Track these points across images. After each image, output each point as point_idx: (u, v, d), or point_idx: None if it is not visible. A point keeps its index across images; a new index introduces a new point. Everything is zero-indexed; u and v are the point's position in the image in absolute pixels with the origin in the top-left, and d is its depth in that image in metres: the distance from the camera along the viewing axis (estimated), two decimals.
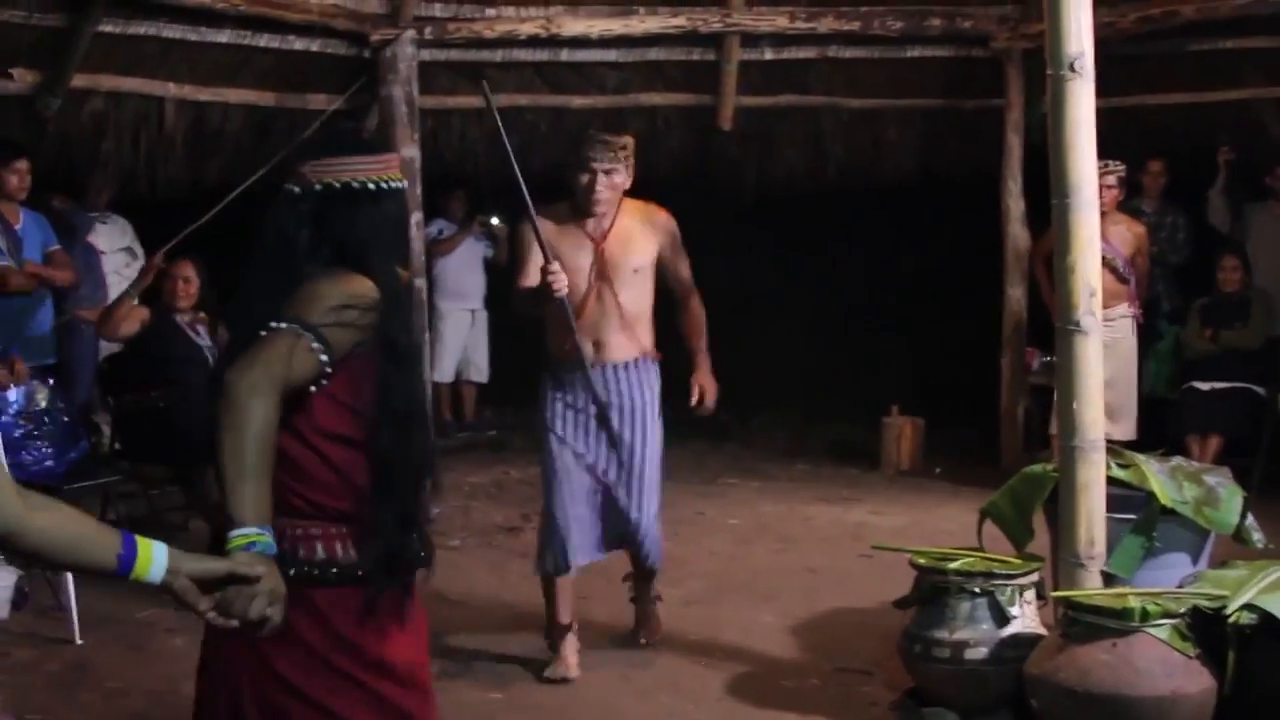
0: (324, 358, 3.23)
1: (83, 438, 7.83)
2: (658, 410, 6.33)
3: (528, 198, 5.71)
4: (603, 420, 6.17)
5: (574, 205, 6.19)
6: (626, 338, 6.21)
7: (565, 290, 5.83)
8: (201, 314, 8.32)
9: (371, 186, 3.43)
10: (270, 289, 3.34)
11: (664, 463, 6.43)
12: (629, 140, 6.24)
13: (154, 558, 2.63)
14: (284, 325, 3.21)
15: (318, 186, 3.42)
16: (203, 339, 8.26)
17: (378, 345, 3.34)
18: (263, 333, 3.20)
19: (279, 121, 10.15)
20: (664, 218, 6.36)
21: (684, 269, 6.44)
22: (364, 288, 3.33)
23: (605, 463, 6.23)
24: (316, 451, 3.30)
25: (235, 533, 2.96)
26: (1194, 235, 10.75)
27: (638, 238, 6.24)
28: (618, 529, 6.31)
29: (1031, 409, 10.78)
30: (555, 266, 5.79)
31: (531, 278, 5.99)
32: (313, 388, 3.26)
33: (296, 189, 3.44)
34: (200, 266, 8.37)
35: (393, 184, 3.48)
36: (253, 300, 3.37)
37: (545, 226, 5.92)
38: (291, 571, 3.14)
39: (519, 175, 5.60)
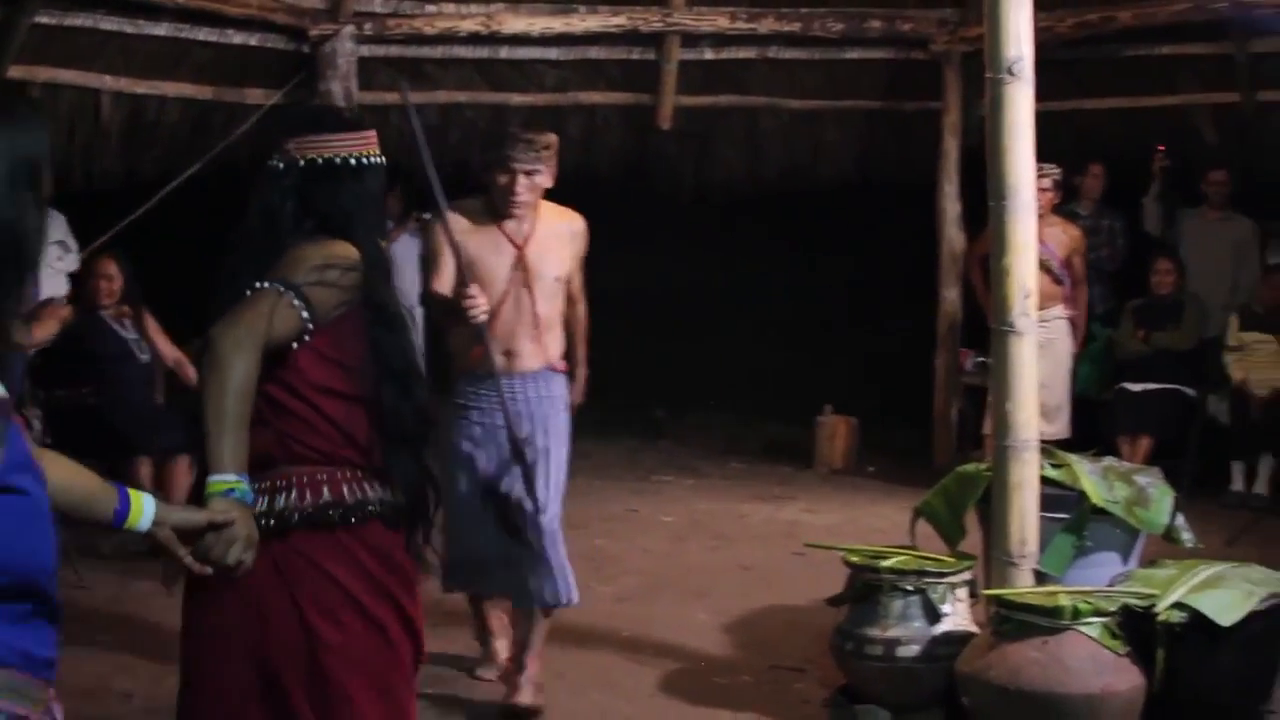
0: (305, 314, 3.40)
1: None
2: (567, 424, 5.93)
3: (441, 199, 5.35)
4: (512, 436, 5.60)
5: (489, 203, 5.81)
6: (537, 347, 5.81)
7: (485, 317, 5.43)
8: (125, 308, 8.32)
9: (354, 162, 3.61)
10: (255, 259, 3.51)
11: (597, 460, 6.41)
12: (552, 139, 5.83)
13: (144, 509, 2.76)
14: (266, 285, 3.39)
15: (301, 162, 3.60)
16: (129, 333, 8.26)
17: (365, 307, 3.54)
18: (247, 293, 3.38)
19: (216, 115, 10.07)
20: (581, 225, 5.99)
21: (579, 274, 6.09)
22: (345, 251, 3.51)
23: (510, 482, 5.70)
24: (310, 404, 3.48)
25: (215, 478, 3.13)
26: (1130, 240, 10.85)
27: (560, 246, 5.89)
28: (516, 549, 5.76)
29: (966, 409, 10.84)
30: (474, 290, 5.38)
31: (445, 284, 5.68)
32: (295, 344, 3.42)
33: (281, 164, 3.62)
34: (123, 262, 8.38)
35: (374, 159, 3.65)
36: (239, 269, 3.52)
37: (459, 224, 5.56)
38: (298, 516, 3.43)
39: (433, 174, 5.21)
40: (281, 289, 3.38)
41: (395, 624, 3.57)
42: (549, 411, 5.82)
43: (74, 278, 8.65)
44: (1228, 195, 10.65)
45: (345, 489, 3.50)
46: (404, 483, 3.58)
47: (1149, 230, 10.89)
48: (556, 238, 5.88)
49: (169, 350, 8.69)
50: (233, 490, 3.10)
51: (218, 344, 3.26)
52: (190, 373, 8.44)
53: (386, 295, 3.62)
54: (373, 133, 3.73)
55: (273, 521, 3.42)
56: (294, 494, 3.46)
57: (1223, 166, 10.70)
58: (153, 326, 8.58)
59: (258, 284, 3.38)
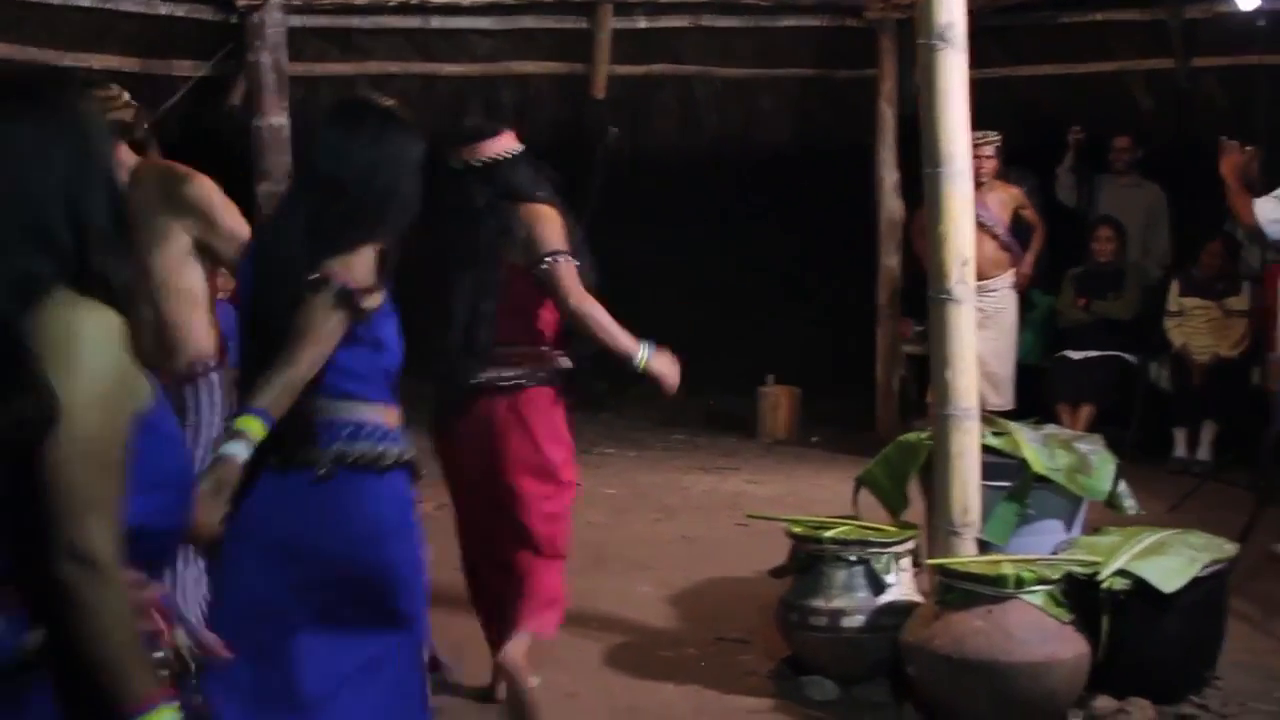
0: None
1: None
2: None
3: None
4: None
5: None
6: None
7: None
8: None
9: (508, 156, 5.16)
10: (459, 228, 5.09)
11: None
12: None
13: None
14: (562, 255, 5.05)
15: (474, 163, 5.12)
16: None
17: None
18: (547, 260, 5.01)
19: (144, 88, 9.90)
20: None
21: None
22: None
23: None
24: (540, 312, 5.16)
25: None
26: (1044, 202, 10.78)
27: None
28: None
29: (908, 378, 10.84)
30: None
31: None
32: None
33: (459, 166, 5.12)
34: None
35: (516, 150, 5.19)
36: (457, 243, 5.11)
37: None
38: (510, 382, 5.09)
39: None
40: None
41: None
42: None
43: None
44: (1131, 161, 10.67)
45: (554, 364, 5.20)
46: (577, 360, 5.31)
47: (1062, 200, 10.88)
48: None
49: None
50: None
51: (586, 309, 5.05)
52: None
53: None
54: (510, 133, 5.24)
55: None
56: (528, 366, 5.14)
57: (1140, 132, 10.72)
58: None
59: (552, 258, 4.98)
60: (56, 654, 2.17)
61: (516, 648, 5.05)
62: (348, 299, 3.60)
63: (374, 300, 3.65)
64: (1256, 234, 7.76)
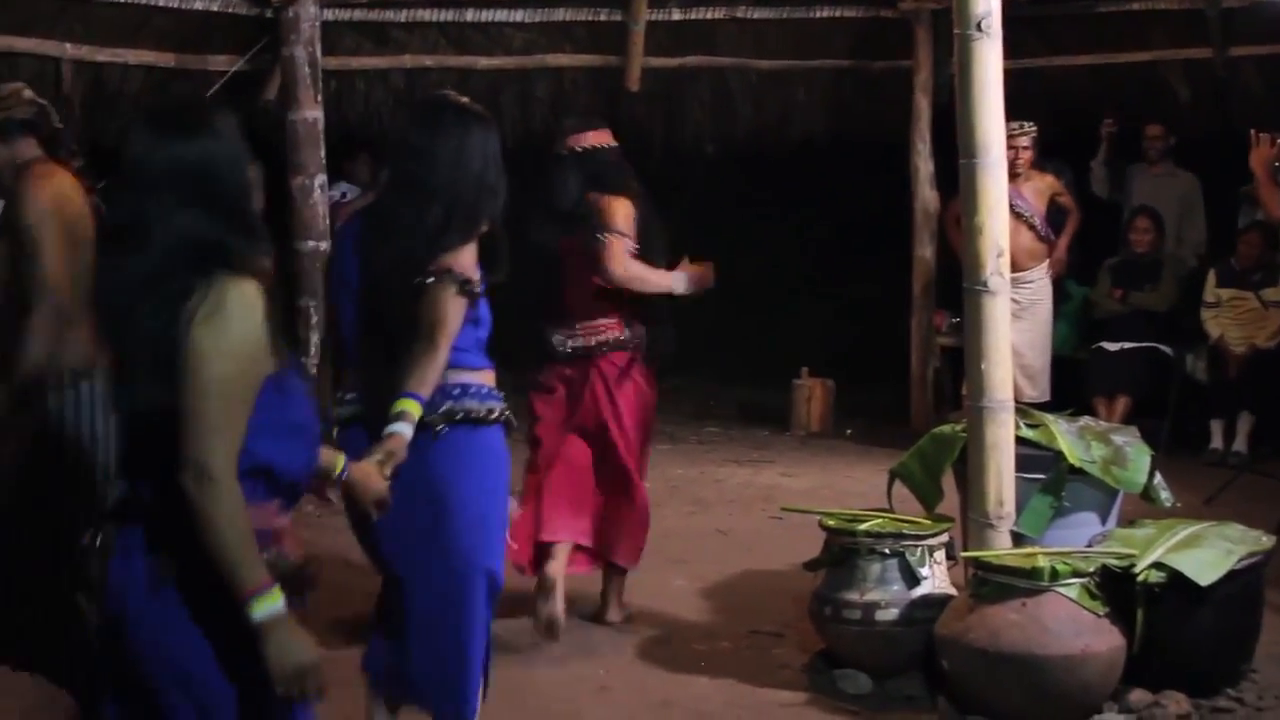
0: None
1: None
2: None
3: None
4: None
5: None
6: None
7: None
8: None
9: (603, 147, 6.19)
10: (556, 207, 6.12)
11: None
12: None
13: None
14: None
15: (578, 149, 6.13)
16: None
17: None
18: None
19: (179, 83, 9.95)
20: None
21: None
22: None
23: None
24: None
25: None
26: (1079, 194, 10.73)
27: None
28: None
29: (943, 370, 10.80)
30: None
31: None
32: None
33: (564, 153, 6.13)
34: None
35: (611, 145, 6.25)
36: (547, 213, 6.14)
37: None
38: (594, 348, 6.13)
39: None
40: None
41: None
42: None
43: None
44: (1164, 149, 10.59)
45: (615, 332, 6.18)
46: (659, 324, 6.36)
47: (1096, 193, 10.82)
48: None
49: None
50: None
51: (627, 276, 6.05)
52: None
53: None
54: (606, 130, 6.28)
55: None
56: (608, 334, 6.14)
57: (1179, 122, 10.66)
58: None
59: (605, 235, 6.00)
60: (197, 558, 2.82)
61: (616, 588, 6.42)
62: (466, 287, 4.17)
63: (479, 285, 4.23)
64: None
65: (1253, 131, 7.54)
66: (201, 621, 2.88)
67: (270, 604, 2.82)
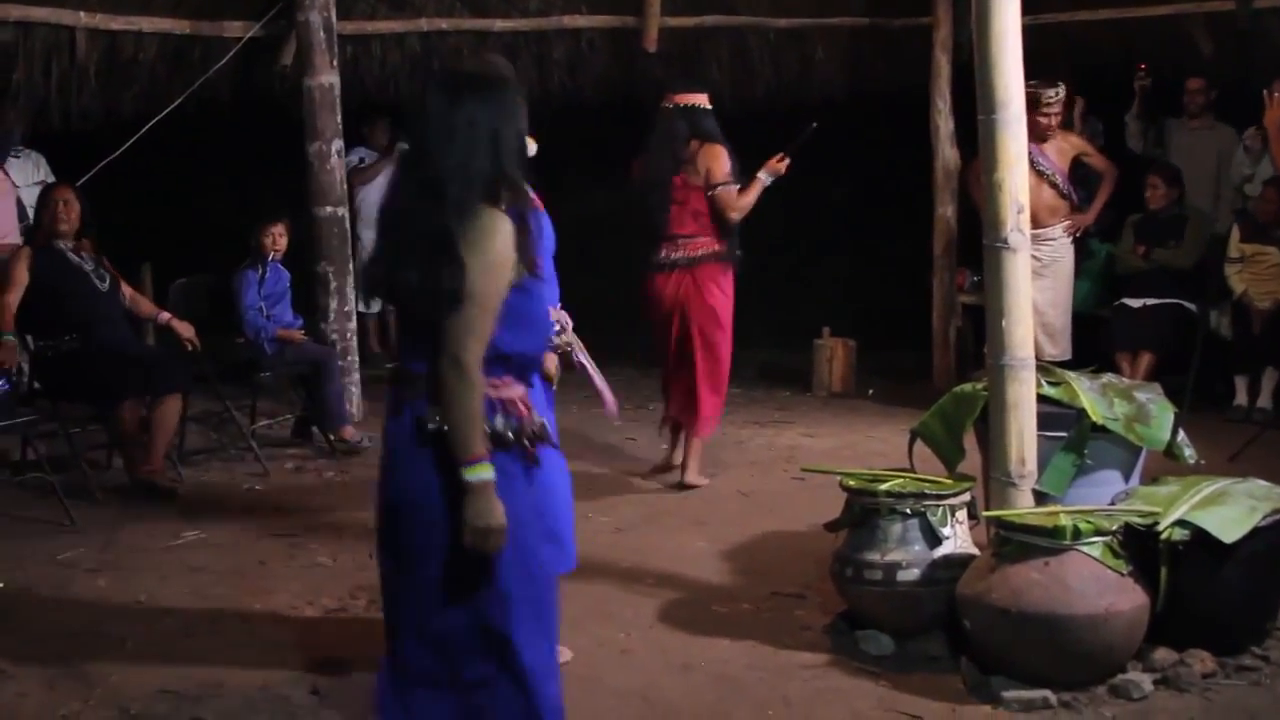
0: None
1: (1, 376, 7.70)
2: None
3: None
4: None
5: None
6: None
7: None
8: (85, 240, 8.23)
9: (702, 106, 7.95)
10: (667, 155, 7.89)
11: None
12: None
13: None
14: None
15: (683, 105, 7.92)
16: (87, 263, 8.17)
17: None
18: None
19: (194, 50, 9.91)
20: None
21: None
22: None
23: None
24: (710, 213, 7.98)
25: None
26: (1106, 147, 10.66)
27: None
28: None
29: (965, 329, 10.76)
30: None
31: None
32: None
33: (671, 107, 7.93)
34: (79, 194, 8.26)
35: (707, 106, 8.00)
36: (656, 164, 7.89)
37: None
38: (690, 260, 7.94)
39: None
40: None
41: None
42: None
43: (35, 213, 8.51)
44: (1205, 104, 10.53)
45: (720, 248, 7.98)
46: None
47: (1132, 148, 10.75)
48: None
49: (151, 310, 8.63)
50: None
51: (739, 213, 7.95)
52: (183, 329, 8.39)
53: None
54: (704, 93, 8.05)
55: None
56: (701, 250, 7.95)
57: (1203, 75, 10.57)
58: (130, 294, 8.49)
59: (722, 186, 7.87)
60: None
61: (691, 454, 8.12)
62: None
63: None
64: None
65: (1265, 91, 7.50)
66: (439, 472, 3.64)
67: (481, 472, 3.57)
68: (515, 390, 3.76)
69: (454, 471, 3.59)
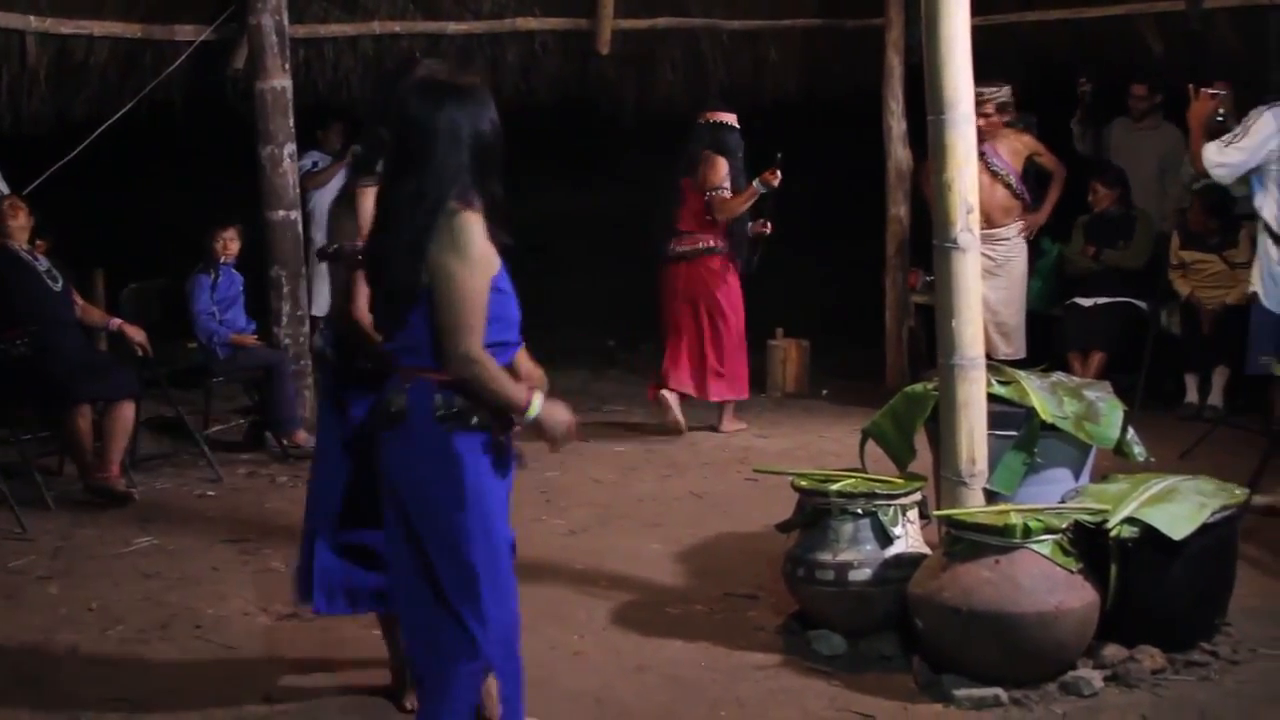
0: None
1: None
2: None
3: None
4: None
5: None
6: None
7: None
8: (40, 242, 8.23)
9: (728, 123, 9.33)
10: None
11: (549, 391, 6.29)
12: None
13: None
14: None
15: (710, 122, 9.33)
16: (40, 264, 8.14)
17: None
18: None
19: (145, 54, 9.85)
20: None
21: None
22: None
23: None
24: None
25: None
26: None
27: None
28: None
29: (918, 329, 10.79)
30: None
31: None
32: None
33: (703, 123, 9.36)
34: (27, 204, 8.29)
35: (734, 124, 9.36)
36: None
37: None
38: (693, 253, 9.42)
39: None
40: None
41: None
42: None
43: None
44: (1149, 108, 10.55)
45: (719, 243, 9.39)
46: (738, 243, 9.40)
47: (1080, 151, 10.78)
48: None
49: (101, 319, 8.59)
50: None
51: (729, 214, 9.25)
52: (135, 333, 8.35)
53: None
54: (733, 113, 9.35)
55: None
56: (702, 244, 9.32)
57: (1154, 75, 10.62)
58: (81, 304, 8.45)
59: (714, 191, 9.22)
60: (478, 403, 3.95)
61: (724, 418, 9.69)
62: None
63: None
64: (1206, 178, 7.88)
65: (1191, 85, 7.58)
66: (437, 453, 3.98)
67: (536, 405, 3.99)
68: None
69: (445, 454, 3.95)
